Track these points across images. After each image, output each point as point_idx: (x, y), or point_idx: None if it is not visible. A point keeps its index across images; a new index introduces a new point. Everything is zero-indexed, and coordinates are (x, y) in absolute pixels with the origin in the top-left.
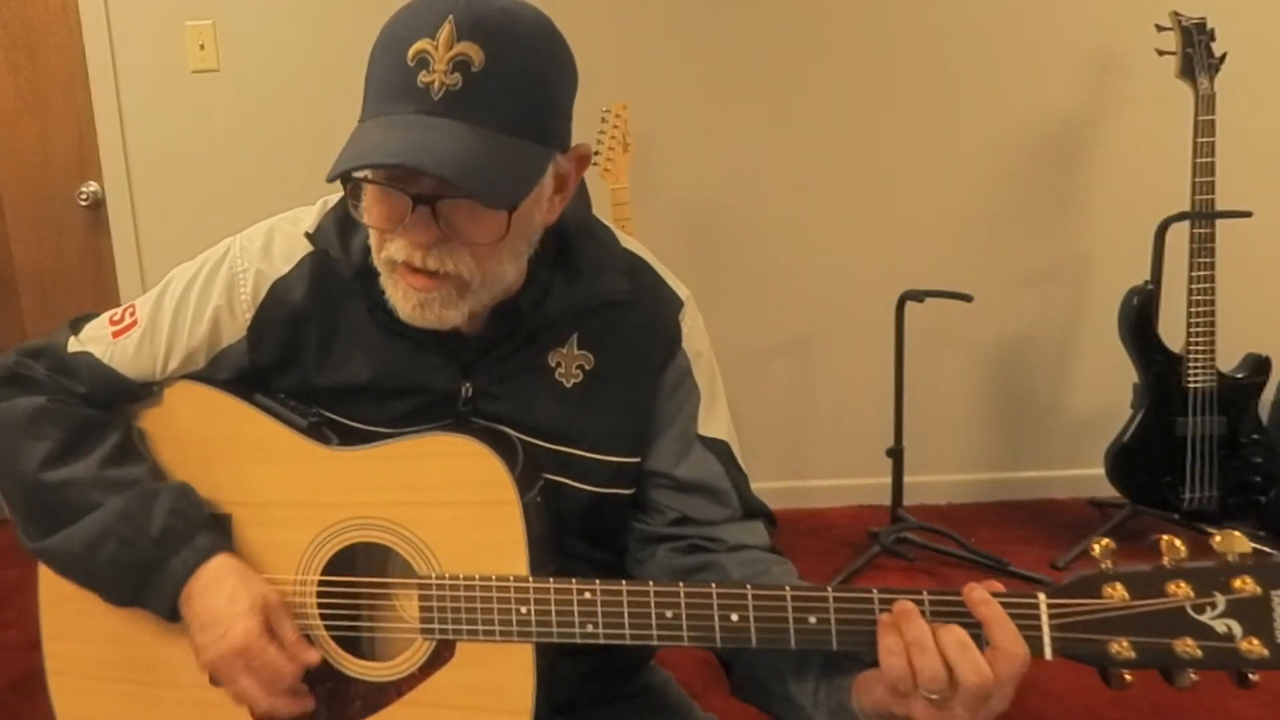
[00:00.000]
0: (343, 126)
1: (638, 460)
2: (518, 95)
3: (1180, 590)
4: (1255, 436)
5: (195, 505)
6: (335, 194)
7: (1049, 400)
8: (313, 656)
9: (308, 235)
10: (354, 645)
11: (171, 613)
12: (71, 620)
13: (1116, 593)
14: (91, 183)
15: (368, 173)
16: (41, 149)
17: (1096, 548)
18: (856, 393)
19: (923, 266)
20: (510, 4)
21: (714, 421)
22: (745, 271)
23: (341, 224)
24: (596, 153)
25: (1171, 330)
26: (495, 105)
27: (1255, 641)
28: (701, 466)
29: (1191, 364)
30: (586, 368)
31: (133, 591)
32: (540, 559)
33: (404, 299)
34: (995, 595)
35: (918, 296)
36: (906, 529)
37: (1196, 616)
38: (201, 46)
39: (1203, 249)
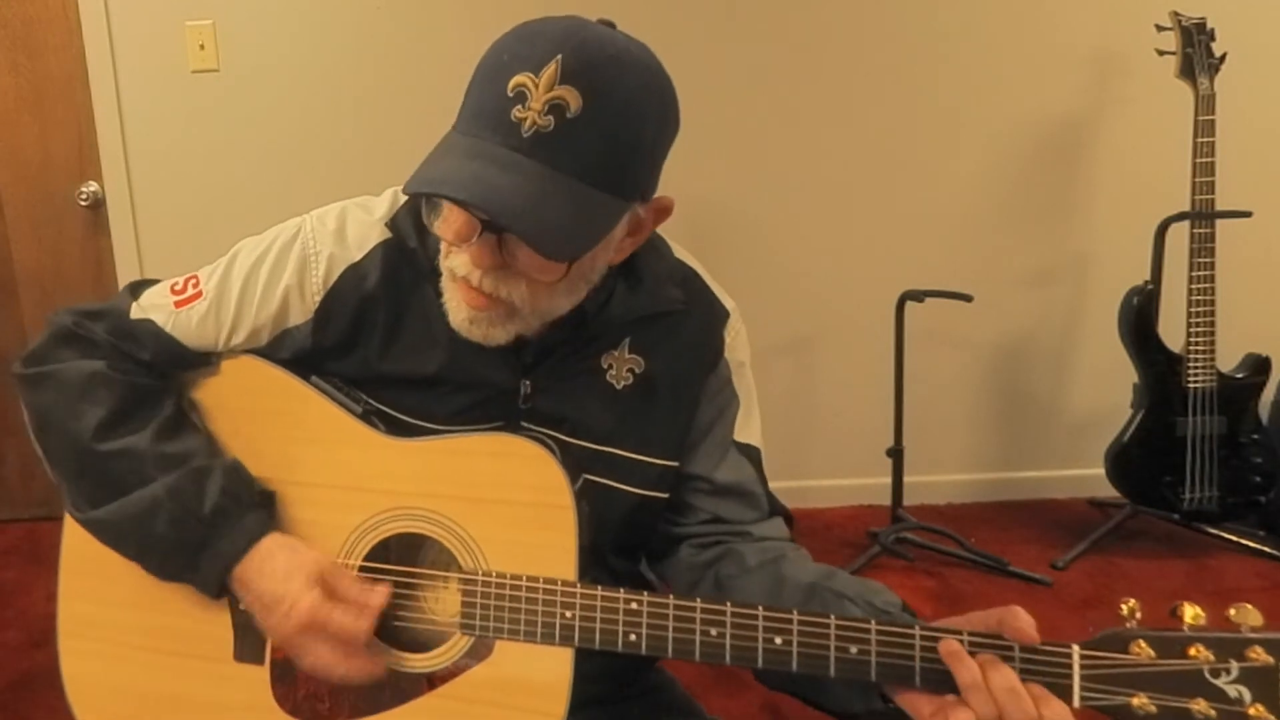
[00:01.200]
0: (343, 126)
1: (677, 464)
2: (607, 147)
3: (1200, 655)
4: (1255, 436)
5: (246, 484)
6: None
7: (1049, 400)
8: (379, 597)
9: (388, 224)
10: (390, 635)
11: (218, 592)
12: (93, 582)
13: (1143, 650)
14: (91, 183)
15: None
16: (41, 149)
17: (1124, 608)
18: (856, 393)
19: (923, 266)
20: (624, 52)
21: (749, 429)
22: (745, 271)
23: (418, 217)
24: None
25: (1171, 330)
26: (581, 154)
27: (1261, 708)
28: (737, 471)
29: (1191, 364)
30: (637, 371)
31: (179, 568)
32: (586, 566)
33: (457, 310)
34: (1030, 645)
35: (918, 296)
36: (906, 529)
37: (1212, 680)
38: (201, 46)
39: (1203, 249)
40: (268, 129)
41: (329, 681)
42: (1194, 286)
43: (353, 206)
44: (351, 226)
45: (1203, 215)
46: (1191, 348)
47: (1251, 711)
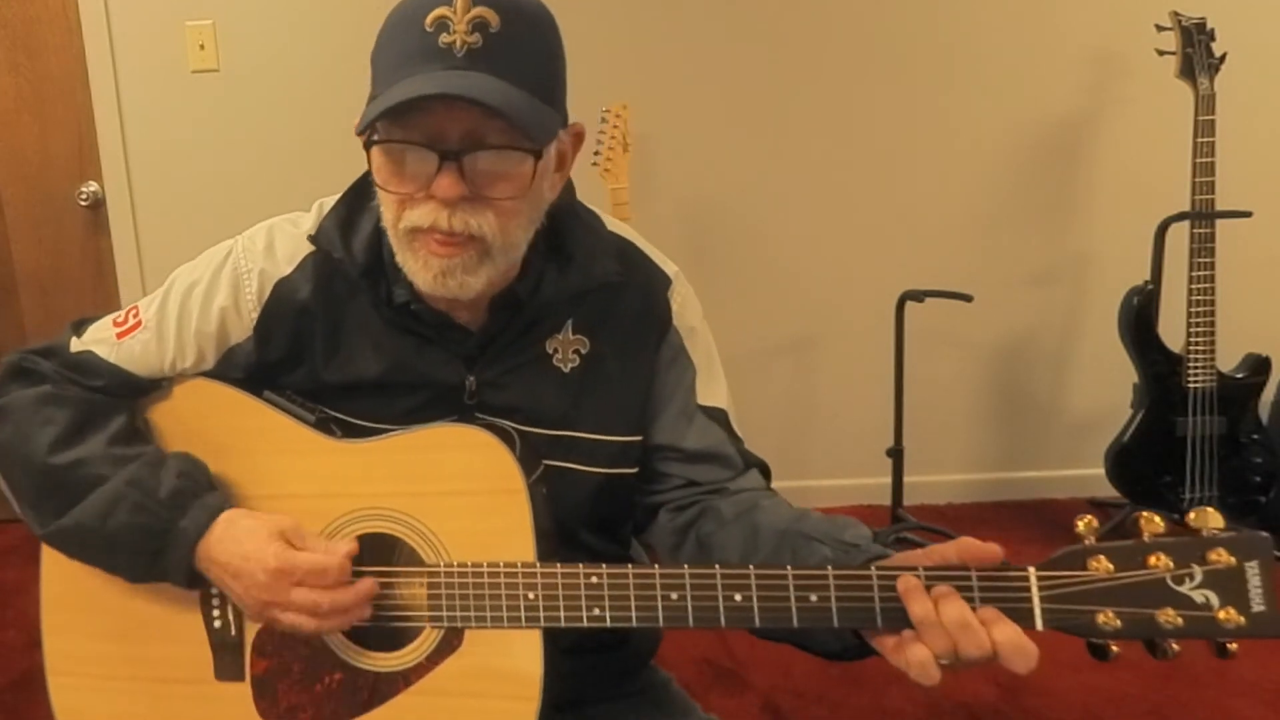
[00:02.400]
0: (342, 126)
1: (639, 439)
2: (531, 58)
3: (1160, 562)
4: (1255, 436)
5: (201, 469)
6: (333, 195)
7: (1049, 400)
8: (346, 545)
9: (310, 237)
10: (362, 636)
11: (190, 576)
12: (72, 615)
13: (1101, 565)
14: (91, 183)
15: (386, 136)
16: (41, 149)
17: (1080, 525)
18: (856, 393)
19: (923, 266)
20: None
21: (712, 391)
22: (745, 271)
23: (342, 225)
24: (596, 153)
25: (1171, 330)
26: (513, 62)
27: (1232, 611)
28: (706, 435)
29: (1191, 364)
30: (583, 351)
31: (148, 557)
32: (546, 550)
33: (425, 268)
34: (990, 567)
35: (918, 296)
36: (906, 529)
37: (1176, 587)
38: (201, 46)
39: (1203, 249)
40: (268, 129)
41: (317, 628)
42: (1194, 286)
43: (281, 222)
44: (280, 242)
45: (1203, 215)
46: (1191, 348)
47: (1221, 615)
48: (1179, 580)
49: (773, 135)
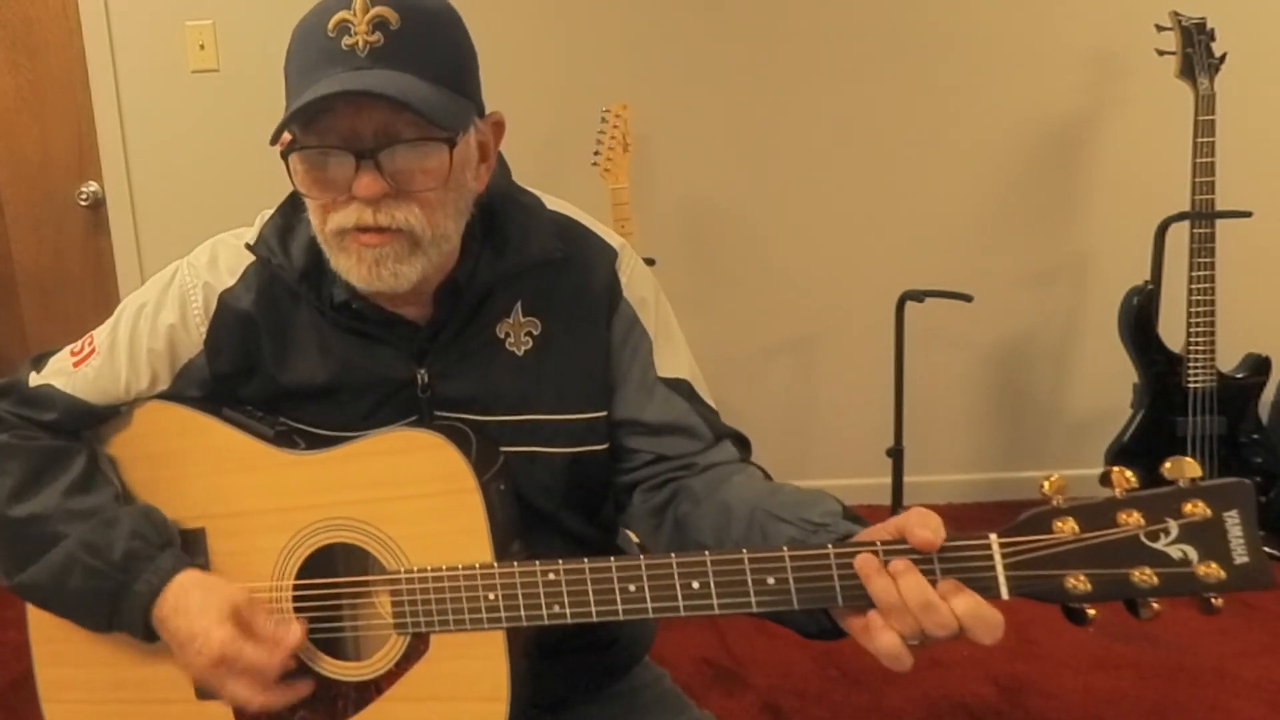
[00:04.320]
0: None
1: (604, 414)
2: (435, 51)
3: (1132, 519)
4: (1255, 436)
5: (156, 527)
6: (270, 208)
7: (1049, 400)
8: (293, 636)
9: (248, 246)
10: (338, 646)
11: (147, 633)
12: (59, 647)
13: (1067, 526)
14: (91, 183)
15: (301, 143)
16: (41, 149)
17: (1046, 485)
18: (856, 393)
19: (923, 266)
20: None
21: (671, 362)
22: (745, 271)
23: (280, 231)
24: (596, 153)
25: (1171, 330)
26: (416, 56)
27: (1213, 565)
28: (668, 408)
29: (1191, 364)
30: (535, 333)
31: (105, 618)
32: (506, 547)
33: (357, 264)
34: (947, 545)
35: (918, 296)
36: None
37: (1150, 544)
38: (201, 46)
39: (1203, 249)
40: (268, 129)
41: (249, 712)
42: (1194, 286)
43: (225, 237)
44: (223, 256)
45: (1203, 215)
46: (1191, 348)
47: (1201, 570)
48: (1153, 536)
49: (773, 135)
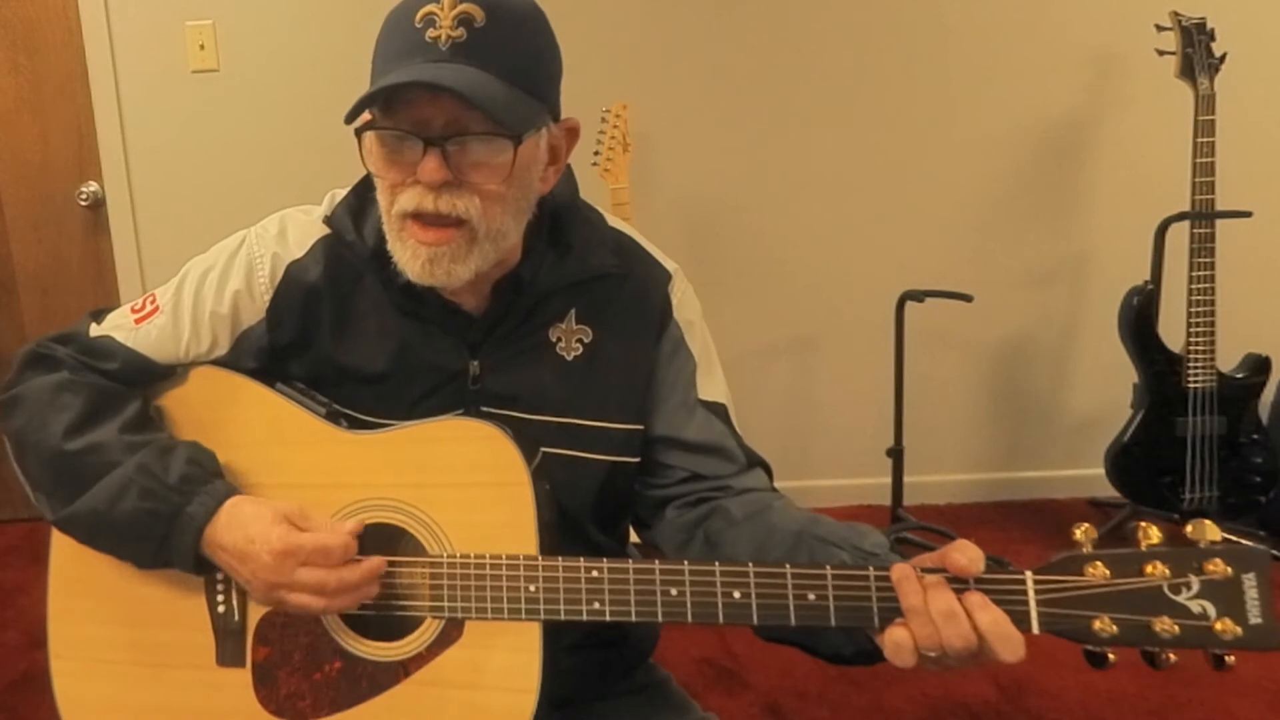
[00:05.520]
0: (342, 126)
1: (641, 428)
2: (516, 52)
3: (1157, 571)
4: (1255, 436)
5: (210, 456)
6: (343, 188)
7: (1049, 400)
8: (351, 524)
9: (325, 220)
10: (363, 626)
11: (196, 562)
12: (79, 601)
13: (1098, 571)
14: (91, 183)
15: (376, 124)
16: (41, 149)
17: (1078, 532)
18: (856, 393)
19: (923, 266)
20: None
21: (712, 385)
22: (745, 271)
23: (353, 211)
24: (596, 153)
25: (1171, 330)
26: (496, 56)
27: (1228, 622)
28: (706, 429)
29: (1191, 364)
30: (586, 341)
31: (156, 542)
32: (548, 543)
33: (413, 257)
34: (984, 575)
35: (918, 296)
36: (906, 529)
37: (1173, 596)
38: (201, 46)
39: (1203, 249)
40: (268, 129)
41: (324, 607)
42: (1194, 286)
43: (293, 212)
44: (292, 229)
45: (1203, 215)
46: (1191, 348)
47: (1218, 626)
48: (1176, 589)
49: (773, 135)
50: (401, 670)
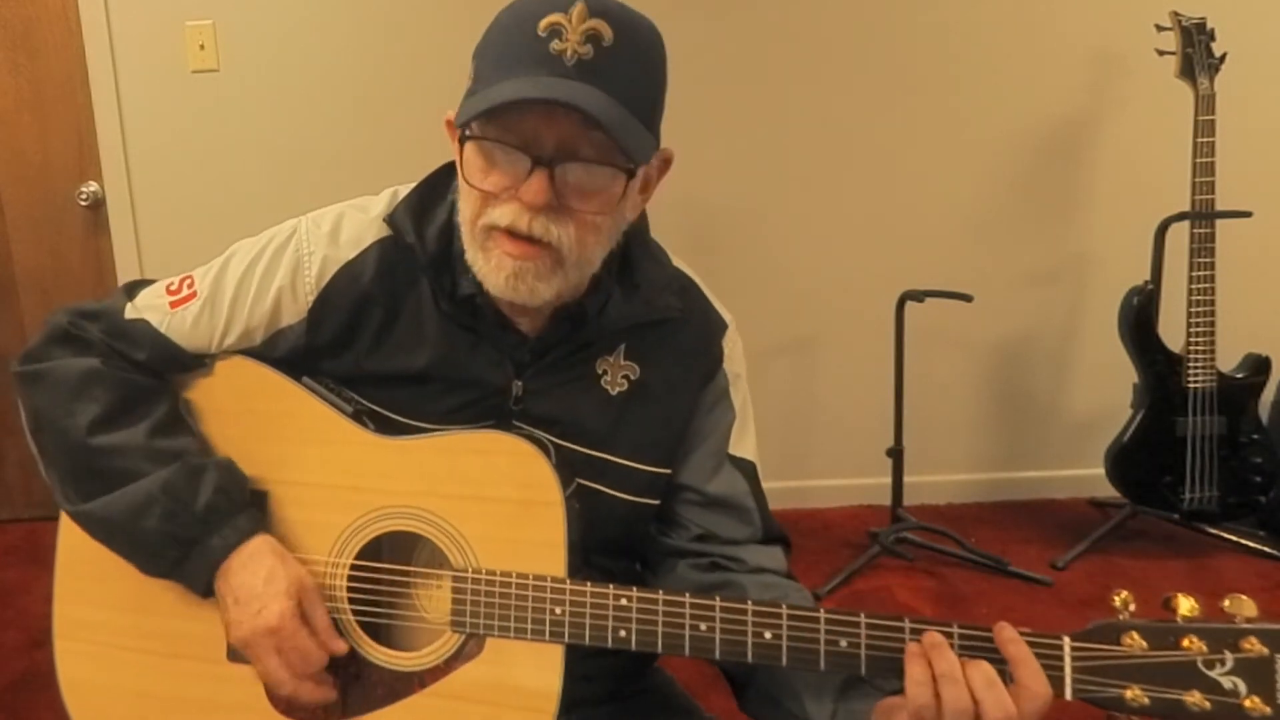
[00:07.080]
0: (343, 126)
1: (669, 472)
2: (638, 78)
3: (1194, 645)
4: (1255, 436)
5: (239, 484)
6: (405, 185)
7: (1049, 400)
8: (340, 646)
9: (386, 218)
10: (376, 633)
11: (206, 589)
12: (87, 584)
13: (1135, 642)
14: (91, 183)
15: (485, 134)
16: (41, 149)
17: (1117, 600)
18: (856, 393)
19: (923, 266)
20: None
21: (745, 443)
22: (745, 271)
23: (416, 213)
24: None
25: (1171, 330)
26: (621, 81)
27: (1257, 700)
28: (730, 484)
29: (1191, 364)
30: (632, 378)
31: (169, 564)
32: (575, 566)
33: (497, 269)
34: (1022, 634)
35: (918, 296)
36: (906, 529)
37: (1207, 671)
38: (201, 46)
39: (1203, 249)
40: (268, 129)
41: (279, 693)
42: (1194, 286)
43: (349, 209)
44: (346, 227)
45: (1203, 215)
46: (1191, 348)
47: (1247, 704)
48: (1210, 665)
49: (773, 135)
50: (417, 681)
